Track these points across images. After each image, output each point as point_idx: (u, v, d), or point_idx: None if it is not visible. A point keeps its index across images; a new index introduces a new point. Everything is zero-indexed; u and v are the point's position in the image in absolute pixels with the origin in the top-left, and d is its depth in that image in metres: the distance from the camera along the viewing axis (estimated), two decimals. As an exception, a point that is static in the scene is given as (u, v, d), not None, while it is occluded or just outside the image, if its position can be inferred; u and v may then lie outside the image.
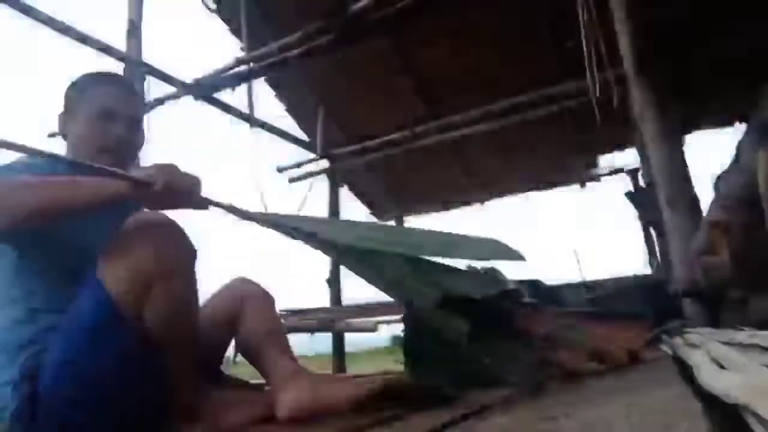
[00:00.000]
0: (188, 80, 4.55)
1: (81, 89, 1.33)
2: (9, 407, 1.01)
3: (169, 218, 1.11)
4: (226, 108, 5.03)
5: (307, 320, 5.42)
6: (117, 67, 4.14)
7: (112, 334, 1.02)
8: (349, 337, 5.78)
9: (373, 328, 5.03)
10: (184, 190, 1.09)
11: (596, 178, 6.57)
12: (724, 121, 5.28)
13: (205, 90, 4.68)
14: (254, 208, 1.34)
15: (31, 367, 1.03)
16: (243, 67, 4.50)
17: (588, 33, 2.73)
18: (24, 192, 1.02)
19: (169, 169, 1.07)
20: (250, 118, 5.23)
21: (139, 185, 1.05)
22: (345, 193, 7.07)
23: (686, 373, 0.82)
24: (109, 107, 1.30)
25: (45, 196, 1.02)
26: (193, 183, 1.11)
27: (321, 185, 6.59)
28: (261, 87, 5.81)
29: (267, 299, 1.37)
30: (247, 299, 1.33)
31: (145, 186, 1.05)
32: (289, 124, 6.25)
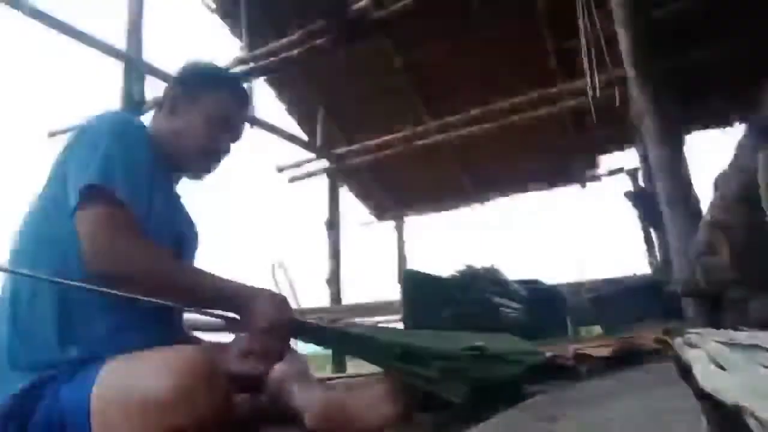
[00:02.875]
0: (188, 80, 4.55)
1: (210, 83, 1.29)
2: None
3: (203, 355, 0.93)
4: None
5: (307, 320, 5.42)
6: (117, 67, 4.16)
7: None
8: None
9: (373, 328, 5.03)
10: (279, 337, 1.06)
11: (596, 178, 6.57)
12: (724, 121, 5.28)
13: (205, 90, 4.67)
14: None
15: (34, 390, 0.93)
16: (243, 67, 4.50)
17: (588, 33, 2.73)
18: (166, 269, 1.02)
19: (276, 320, 1.03)
20: (250, 118, 5.23)
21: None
22: (345, 193, 7.08)
23: (686, 373, 0.81)
24: (229, 117, 1.28)
25: (173, 283, 1.02)
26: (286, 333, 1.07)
27: (321, 185, 6.60)
28: (261, 87, 5.83)
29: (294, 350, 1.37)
30: None
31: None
32: (290, 124, 6.26)
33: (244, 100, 1.36)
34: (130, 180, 1.04)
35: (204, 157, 1.26)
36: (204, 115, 1.24)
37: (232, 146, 1.32)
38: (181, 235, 1.25)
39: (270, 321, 1.02)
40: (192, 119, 1.24)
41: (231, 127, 1.29)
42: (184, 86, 1.27)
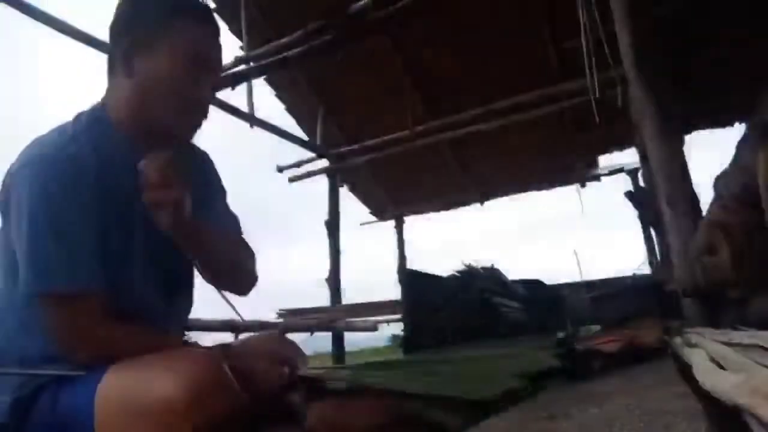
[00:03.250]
0: (188, 80, 4.55)
1: (163, 18, 1.00)
2: None
3: (208, 357, 0.88)
4: (226, 107, 5.03)
5: (307, 320, 5.43)
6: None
7: None
8: (348, 336, 5.78)
9: (373, 328, 5.04)
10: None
11: (596, 178, 6.58)
12: (724, 121, 5.28)
13: (205, 89, 4.68)
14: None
15: (32, 394, 0.92)
16: (243, 67, 4.51)
17: (588, 33, 2.73)
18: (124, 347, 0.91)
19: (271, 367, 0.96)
20: (250, 118, 5.24)
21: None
22: (345, 193, 7.08)
23: (686, 373, 0.82)
24: (199, 52, 1.01)
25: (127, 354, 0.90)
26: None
27: (321, 185, 6.60)
28: (261, 87, 5.83)
29: (296, 347, 1.37)
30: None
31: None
32: (290, 124, 6.27)
33: (208, 23, 1.06)
34: (74, 251, 0.91)
35: (184, 113, 1.02)
36: (166, 59, 0.99)
37: (213, 90, 1.09)
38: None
39: (267, 385, 0.97)
40: (153, 71, 0.98)
41: (205, 65, 1.03)
42: (132, 35, 0.99)
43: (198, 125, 1.07)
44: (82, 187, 0.92)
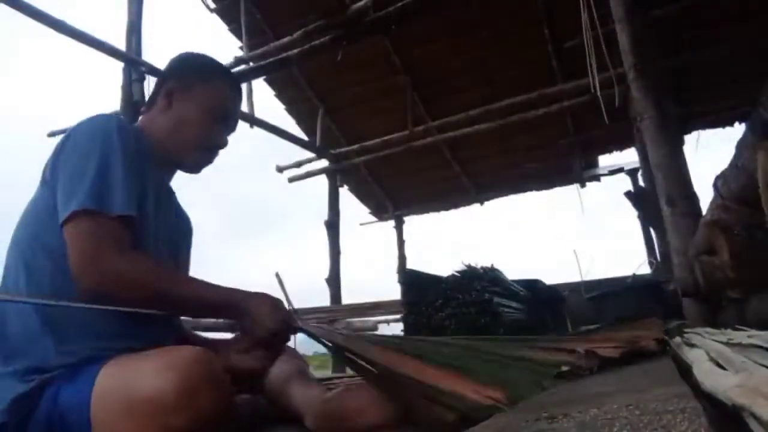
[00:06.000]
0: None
1: (206, 74, 1.26)
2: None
3: (201, 354, 0.90)
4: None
5: (307, 320, 5.42)
6: (117, 67, 4.16)
7: None
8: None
9: (373, 328, 5.04)
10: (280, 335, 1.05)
11: (596, 178, 6.57)
12: (724, 121, 5.28)
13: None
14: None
15: (34, 390, 0.93)
16: (243, 67, 4.51)
17: (589, 32, 2.73)
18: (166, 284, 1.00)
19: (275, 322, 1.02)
20: (250, 118, 5.24)
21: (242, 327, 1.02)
22: (345, 193, 7.09)
23: (686, 373, 0.82)
24: (225, 108, 1.27)
25: (166, 296, 0.99)
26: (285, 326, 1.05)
27: (321, 185, 6.60)
28: (261, 87, 5.83)
29: (293, 350, 1.37)
30: None
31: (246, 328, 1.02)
32: (290, 124, 6.27)
33: (238, 89, 1.34)
34: (122, 188, 1.01)
35: (201, 150, 1.24)
36: (200, 107, 1.22)
37: (229, 139, 1.30)
38: (176, 233, 1.23)
39: (267, 325, 1.01)
40: (187, 111, 1.21)
41: (227, 119, 1.28)
42: (178, 78, 1.24)
43: (207, 163, 1.29)
44: (131, 145, 1.07)
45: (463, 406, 0.92)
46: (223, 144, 1.27)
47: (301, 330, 1.12)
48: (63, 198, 0.99)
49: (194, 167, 1.27)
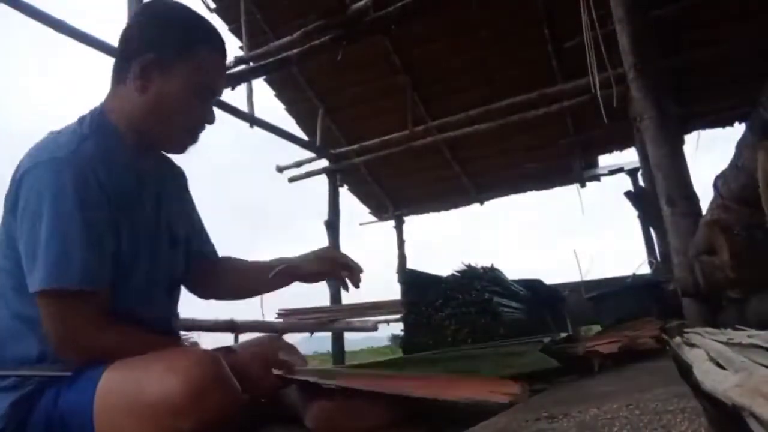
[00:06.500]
0: (188, 80, 4.54)
1: (188, 45, 1.06)
2: None
3: (207, 356, 0.91)
4: (226, 107, 5.03)
5: (307, 320, 5.42)
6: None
7: None
8: (348, 336, 5.78)
9: (373, 328, 5.04)
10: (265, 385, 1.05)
11: (596, 178, 6.57)
12: (724, 121, 5.28)
13: (205, 90, 4.67)
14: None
15: (33, 393, 0.93)
16: (243, 67, 4.50)
17: (589, 31, 2.73)
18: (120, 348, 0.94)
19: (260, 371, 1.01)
20: (250, 118, 5.23)
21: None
22: (345, 193, 7.08)
23: (686, 373, 0.81)
24: (214, 86, 1.12)
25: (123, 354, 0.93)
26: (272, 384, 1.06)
27: (321, 185, 6.60)
28: (261, 87, 5.83)
29: (295, 349, 1.37)
30: (281, 347, 1.32)
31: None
32: (290, 124, 6.26)
33: (222, 52, 1.15)
34: (79, 259, 0.92)
35: (185, 130, 1.12)
36: (184, 85, 1.06)
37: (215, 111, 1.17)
38: (173, 225, 1.18)
39: (252, 391, 1.02)
40: (169, 91, 1.05)
41: (213, 92, 1.14)
42: (154, 52, 1.04)
43: (193, 142, 1.14)
44: (94, 188, 0.95)
45: (483, 408, 0.93)
46: (210, 119, 1.13)
47: (293, 382, 1.12)
48: (26, 264, 0.94)
49: (179, 148, 1.16)
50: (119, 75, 1.08)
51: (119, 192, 1.01)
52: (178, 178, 1.28)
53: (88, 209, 0.94)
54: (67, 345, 0.94)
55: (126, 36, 1.09)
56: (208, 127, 1.16)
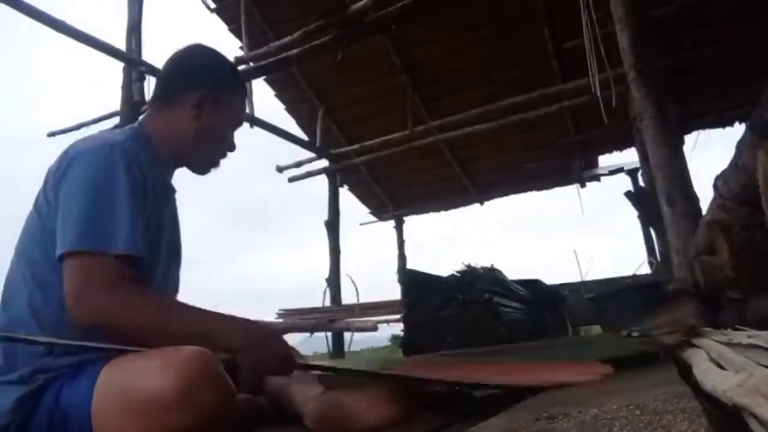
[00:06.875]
0: (188, 80, 4.54)
1: (234, 86, 1.29)
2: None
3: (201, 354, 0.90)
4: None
5: (307, 320, 5.43)
6: (117, 67, 4.16)
7: None
8: (348, 336, 5.77)
9: (373, 328, 5.04)
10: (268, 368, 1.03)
11: (596, 178, 6.57)
12: (724, 121, 5.28)
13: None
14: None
15: (38, 389, 0.94)
16: (243, 67, 4.51)
17: (590, 31, 2.73)
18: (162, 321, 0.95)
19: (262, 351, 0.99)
20: (250, 118, 5.24)
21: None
22: (345, 193, 7.09)
23: (686, 373, 0.82)
24: (244, 119, 1.32)
25: (161, 334, 0.94)
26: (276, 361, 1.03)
27: (321, 185, 6.61)
28: (261, 87, 5.83)
29: (295, 351, 1.38)
30: None
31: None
32: (290, 124, 6.27)
33: (246, 91, 1.38)
34: (127, 226, 0.98)
35: (216, 156, 1.29)
36: (228, 119, 1.26)
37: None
38: (177, 233, 1.26)
39: (262, 371, 1.01)
40: (216, 123, 1.23)
41: (240, 124, 1.32)
42: (208, 89, 1.22)
43: (217, 166, 1.31)
44: (135, 174, 1.05)
45: None
46: (233, 148, 1.31)
47: (302, 368, 1.11)
48: (60, 234, 0.97)
49: (206, 170, 1.31)
50: (169, 101, 1.23)
51: (153, 191, 1.10)
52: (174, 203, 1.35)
53: (135, 185, 1.04)
54: (80, 301, 0.93)
55: (188, 70, 1.25)
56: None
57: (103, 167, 1.02)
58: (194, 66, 1.26)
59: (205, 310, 1.03)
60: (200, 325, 1.00)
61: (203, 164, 1.29)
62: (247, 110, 5.13)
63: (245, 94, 1.34)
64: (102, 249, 0.95)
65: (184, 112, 1.21)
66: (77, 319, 0.93)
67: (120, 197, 1.00)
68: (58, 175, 1.03)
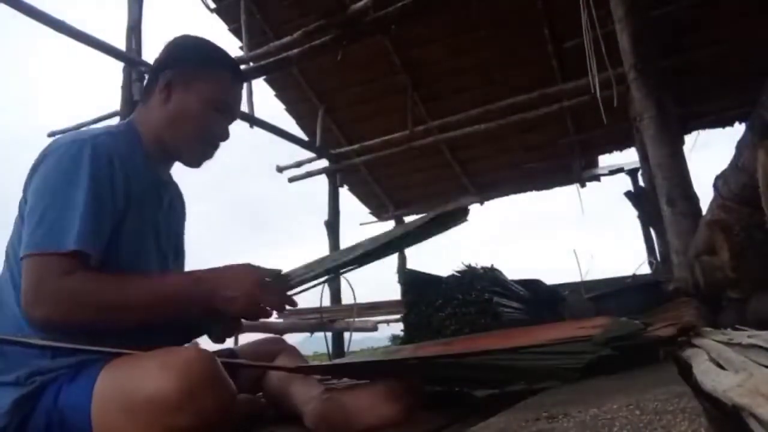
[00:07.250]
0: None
1: (207, 64, 1.20)
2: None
3: (199, 354, 0.91)
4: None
5: (307, 320, 5.42)
6: (117, 67, 4.16)
7: None
8: (347, 336, 5.76)
9: (373, 328, 5.04)
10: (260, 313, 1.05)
11: (596, 178, 6.57)
12: (724, 121, 5.28)
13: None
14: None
15: (36, 391, 0.93)
16: (243, 67, 4.51)
17: (590, 31, 2.73)
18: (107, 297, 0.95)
19: (252, 298, 1.02)
20: (250, 118, 5.24)
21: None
22: (345, 193, 7.08)
23: (686, 373, 0.82)
24: (230, 103, 1.23)
25: (120, 307, 0.95)
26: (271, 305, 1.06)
27: (321, 185, 6.60)
28: (261, 87, 5.83)
29: (296, 351, 1.38)
30: (282, 349, 1.33)
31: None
32: (290, 124, 6.27)
33: (239, 77, 1.28)
34: (80, 223, 0.97)
35: (202, 144, 1.21)
36: (201, 99, 1.17)
37: (230, 130, 1.26)
38: (174, 226, 1.25)
39: (240, 309, 1.03)
40: (187, 104, 1.16)
41: (229, 110, 1.24)
42: (177, 69, 1.17)
43: (208, 158, 1.24)
44: (103, 169, 1.02)
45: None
46: (225, 136, 1.24)
47: (293, 287, 1.11)
48: (24, 235, 0.98)
49: (195, 161, 1.24)
50: (148, 88, 1.21)
51: (134, 188, 1.08)
52: (183, 205, 1.35)
53: (99, 181, 1.01)
54: (31, 295, 0.93)
55: (158, 60, 1.22)
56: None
57: (66, 164, 1.00)
58: (166, 51, 1.23)
59: (169, 275, 1.06)
60: (162, 290, 1.01)
61: (191, 155, 1.22)
62: (247, 110, 5.14)
63: (232, 74, 1.23)
64: (51, 250, 0.94)
65: (156, 100, 1.18)
66: (33, 320, 0.93)
67: (77, 194, 0.98)
68: (30, 174, 1.04)
